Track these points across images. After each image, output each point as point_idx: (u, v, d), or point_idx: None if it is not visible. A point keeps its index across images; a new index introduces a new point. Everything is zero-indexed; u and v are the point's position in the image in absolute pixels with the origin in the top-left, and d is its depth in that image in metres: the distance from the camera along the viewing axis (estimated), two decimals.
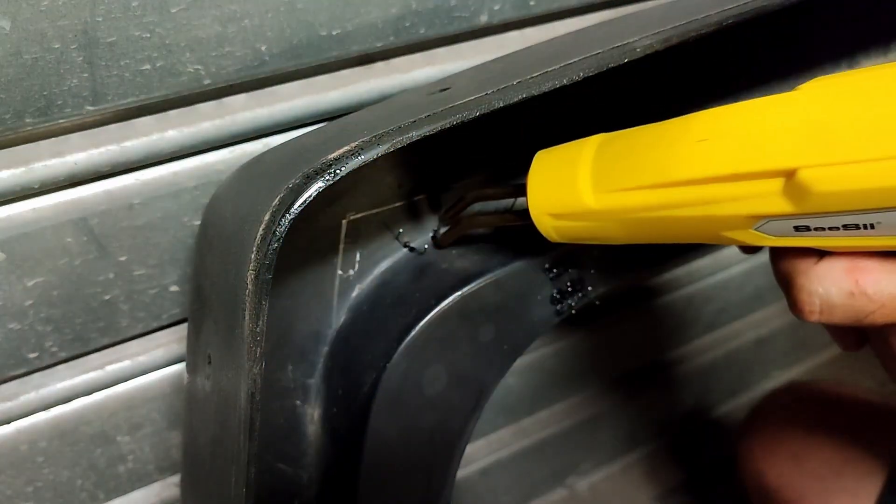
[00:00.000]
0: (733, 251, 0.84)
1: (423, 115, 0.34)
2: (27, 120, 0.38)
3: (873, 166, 0.27)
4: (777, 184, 0.30)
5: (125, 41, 0.38)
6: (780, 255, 0.34)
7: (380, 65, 0.48)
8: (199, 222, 0.45)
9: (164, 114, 0.43)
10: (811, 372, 1.11)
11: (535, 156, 0.39)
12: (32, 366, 0.47)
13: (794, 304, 0.33)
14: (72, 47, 0.37)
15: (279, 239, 0.31)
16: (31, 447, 0.50)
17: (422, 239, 0.49)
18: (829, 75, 0.31)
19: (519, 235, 0.47)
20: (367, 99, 0.47)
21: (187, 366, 0.44)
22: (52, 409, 0.49)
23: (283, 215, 0.31)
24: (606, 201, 0.35)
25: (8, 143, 0.40)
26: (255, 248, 0.32)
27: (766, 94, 0.59)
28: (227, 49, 0.41)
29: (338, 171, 0.32)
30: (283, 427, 0.46)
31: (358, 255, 0.47)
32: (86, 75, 0.38)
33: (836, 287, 0.32)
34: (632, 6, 0.55)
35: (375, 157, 0.32)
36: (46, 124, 0.39)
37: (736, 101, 0.56)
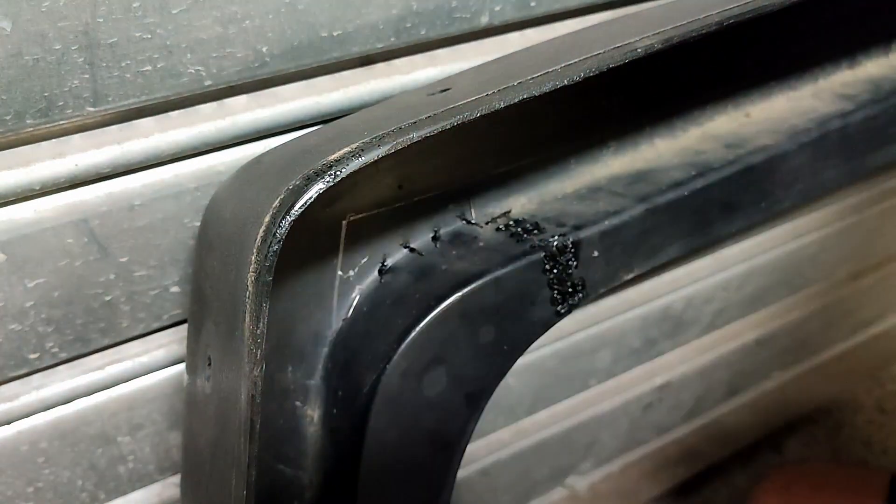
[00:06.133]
0: (733, 251, 0.84)
1: (423, 116, 0.34)
2: (28, 121, 0.38)
3: None
4: None
5: (126, 42, 0.38)
6: None
7: (381, 66, 0.48)
8: (199, 223, 0.45)
9: (165, 115, 0.43)
10: (811, 371, 1.11)
11: None
12: (33, 366, 0.47)
13: None
14: (73, 48, 0.37)
15: (279, 241, 0.31)
16: (32, 448, 0.50)
17: (422, 240, 0.49)
18: None
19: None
20: (367, 100, 0.47)
21: (187, 367, 0.44)
22: (53, 410, 0.49)
23: (284, 217, 0.31)
24: None
25: (9, 144, 0.40)
26: (255, 250, 0.32)
27: (767, 94, 0.59)
28: (228, 50, 0.41)
29: (338, 173, 0.32)
30: (283, 428, 0.46)
31: (358, 257, 0.47)
32: (87, 76, 0.38)
33: None
34: (632, 7, 0.55)
35: (376, 158, 0.32)
36: (47, 125, 0.39)
37: (736, 102, 0.56)
